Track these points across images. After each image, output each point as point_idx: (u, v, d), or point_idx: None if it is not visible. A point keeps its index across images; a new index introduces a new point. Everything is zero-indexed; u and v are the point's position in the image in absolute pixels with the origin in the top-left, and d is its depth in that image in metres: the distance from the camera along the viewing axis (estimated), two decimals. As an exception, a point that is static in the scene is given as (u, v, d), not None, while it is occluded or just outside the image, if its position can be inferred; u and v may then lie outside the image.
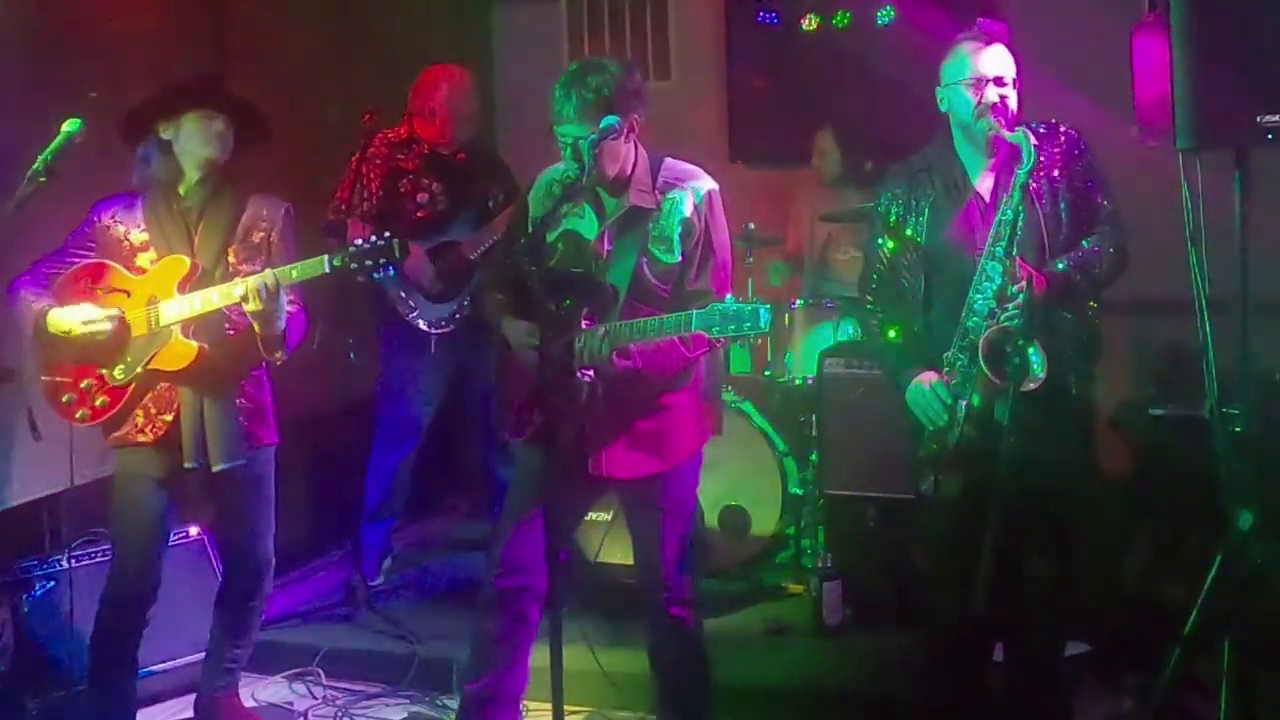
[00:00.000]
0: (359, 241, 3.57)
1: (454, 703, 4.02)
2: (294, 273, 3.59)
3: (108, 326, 3.63)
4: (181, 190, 3.74)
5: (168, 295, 3.66)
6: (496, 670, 3.61)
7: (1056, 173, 3.36)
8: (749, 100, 6.72)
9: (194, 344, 3.66)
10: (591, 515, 4.27)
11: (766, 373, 5.44)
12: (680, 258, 3.46)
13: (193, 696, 4.13)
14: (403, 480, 5.25)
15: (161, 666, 4.32)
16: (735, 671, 4.14)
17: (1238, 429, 3.59)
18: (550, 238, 3.51)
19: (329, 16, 5.84)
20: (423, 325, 5.06)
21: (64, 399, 3.72)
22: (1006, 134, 3.30)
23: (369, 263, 3.56)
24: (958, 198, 3.44)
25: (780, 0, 6.54)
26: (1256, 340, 3.50)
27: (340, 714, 4.32)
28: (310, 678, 4.52)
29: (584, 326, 3.38)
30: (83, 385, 3.71)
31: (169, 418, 3.71)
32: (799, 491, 5.00)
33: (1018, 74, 3.38)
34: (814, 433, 4.94)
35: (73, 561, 4.24)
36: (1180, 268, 3.46)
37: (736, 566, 4.97)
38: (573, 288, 3.39)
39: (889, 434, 3.88)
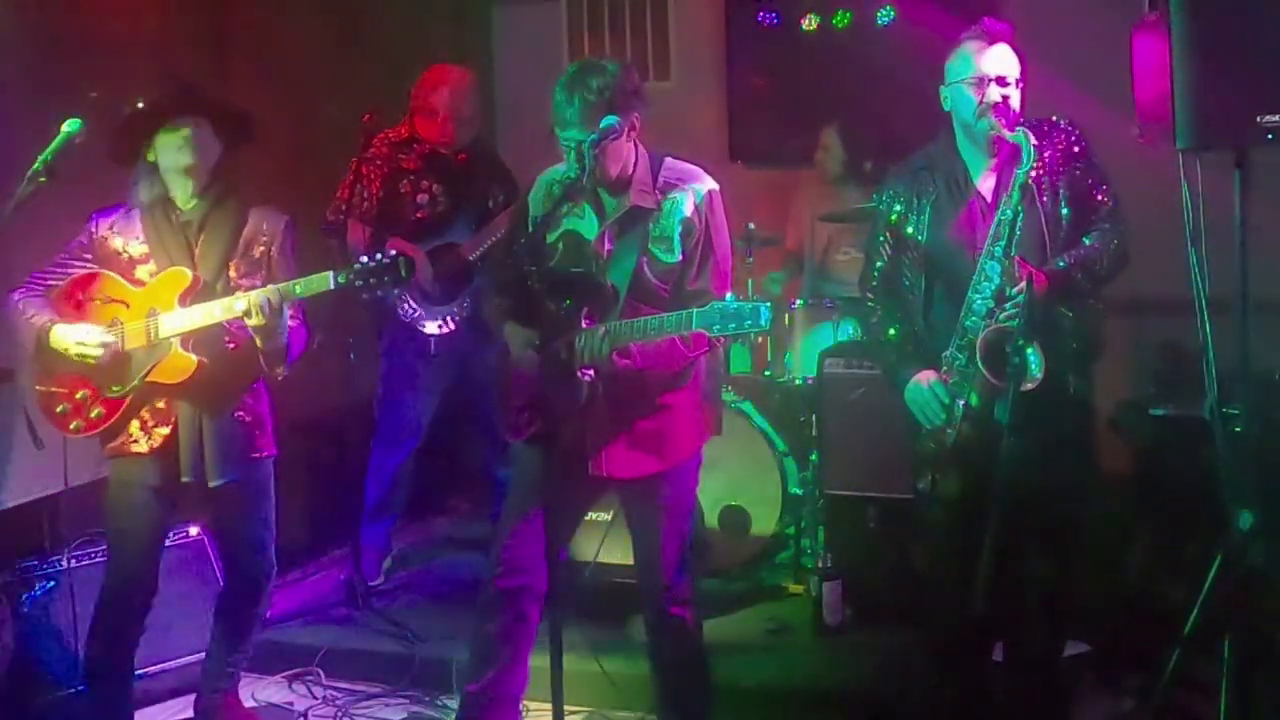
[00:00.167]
0: (364, 259, 3.55)
1: (454, 703, 4.02)
2: (298, 288, 3.57)
3: (99, 353, 3.61)
4: (180, 203, 3.71)
5: (168, 308, 3.63)
6: (496, 670, 3.61)
7: (1057, 171, 3.36)
8: (749, 100, 6.72)
9: (193, 357, 3.63)
10: (591, 515, 4.27)
11: (766, 373, 5.44)
12: (681, 257, 3.46)
13: (193, 696, 4.12)
14: (403, 480, 5.25)
15: (161, 667, 4.32)
16: (735, 671, 4.15)
17: (1238, 429, 3.59)
18: (550, 238, 3.51)
19: (329, 16, 5.85)
20: (422, 326, 5.06)
21: (58, 409, 3.70)
22: (1007, 133, 3.30)
23: (374, 280, 3.56)
24: (959, 197, 3.44)
25: (780, 0, 6.54)
26: (1256, 340, 3.50)
27: (340, 714, 4.32)
28: (310, 678, 4.52)
29: (584, 326, 3.39)
30: (78, 396, 3.69)
31: (166, 430, 3.69)
32: (799, 491, 5.00)
33: (1021, 74, 3.38)
34: (814, 433, 4.93)
35: (72, 561, 4.24)
36: (1180, 268, 3.46)
37: (736, 566, 4.97)
38: (573, 288, 3.39)
39: (889, 434, 3.88)
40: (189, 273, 3.66)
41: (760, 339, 5.39)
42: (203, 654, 4.11)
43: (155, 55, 4.86)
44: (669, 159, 3.54)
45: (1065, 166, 3.37)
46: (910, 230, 3.47)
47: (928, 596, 3.74)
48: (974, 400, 3.32)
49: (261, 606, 4.02)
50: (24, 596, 4.17)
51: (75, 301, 3.69)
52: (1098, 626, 4.14)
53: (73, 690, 4.07)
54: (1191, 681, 3.54)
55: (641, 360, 3.40)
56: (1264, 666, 3.46)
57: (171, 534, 4.30)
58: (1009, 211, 3.28)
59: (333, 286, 3.56)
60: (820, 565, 4.66)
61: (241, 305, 3.55)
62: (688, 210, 3.46)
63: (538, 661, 3.48)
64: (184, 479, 3.69)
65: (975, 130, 3.39)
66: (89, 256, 3.74)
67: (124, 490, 3.74)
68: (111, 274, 3.71)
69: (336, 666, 4.55)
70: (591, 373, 3.38)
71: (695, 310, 3.22)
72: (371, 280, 3.55)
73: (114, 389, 3.66)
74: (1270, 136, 3.29)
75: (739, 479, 4.90)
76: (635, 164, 3.46)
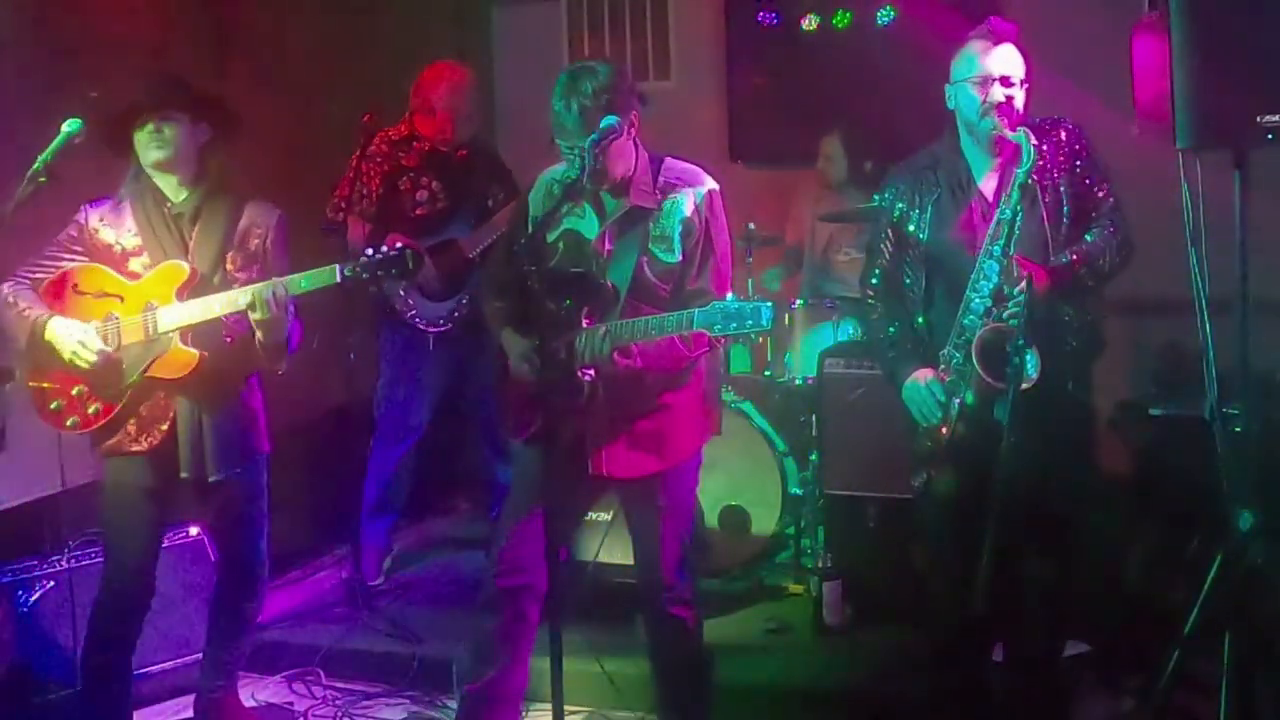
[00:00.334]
0: (370, 251, 3.55)
1: (454, 703, 4.02)
2: (304, 282, 3.56)
3: (95, 359, 3.56)
4: (170, 195, 3.68)
5: (165, 302, 3.60)
6: (496, 670, 3.61)
7: (1059, 170, 3.37)
8: (749, 100, 6.71)
9: (194, 351, 3.61)
10: (591, 515, 4.27)
11: (766, 373, 5.44)
12: (681, 257, 3.46)
13: (193, 697, 4.12)
14: (403, 479, 5.26)
15: (161, 666, 4.32)
16: (735, 671, 4.15)
17: (1238, 429, 3.59)
18: (551, 237, 3.51)
19: (329, 16, 5.85)
20: (421, 324, 5.07)
21: (52, 406, 3.65)
22: (1008, 133, 3.30)
23: (381, 273, 3.55)
24: (962, 197, 3.45)
25: (780, 0, 6.54)
26: (1256, 340, 3.50)
27: (340, 714, 4.32)
28: (310, 678, 4.52)
29: (585, 326, 3.39)
30: (74, 392, 3.64)
31: (164, 427, 3.66)
32: (799, 491, 5.00)
33: (1026, 74, 3.38)
34: (814, 433, 4.93)
35: (72, 562, 4.24)
36: (1180, 268, 3.45)
37: (736, 566, 4.97)
38: (573, 287, 3.38)
39: (889, 434, 3.88)
40: (186, 266, 3.63)
41: (760, 339, 5.39)
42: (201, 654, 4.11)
43: (155, 55, 4.86)
44: (669, 159, 3.54)
45: (1067, 165, 3.38)
46: (912, 228, 3.48)
47: (928, 596, 3.74)
48: (970, 399, 3.32)
49: (257, 602, 4.01)
50: (24, 596, 4.17)
51: (67, 295, 3.65)
52: (1098, 626, 4.14)
53: (72, 690, 4.06)
54: (1191, 681, 3.53)
55: (642, 360, 3.40)
56: (1264, 666, 3.45)
57: (171, 534, 4.30)
58: (1008, 211, 3.28)
59: (339, 279, 3.55)
60: (820, 565, 4.66)
61: (246, 299, 3.53)
62: (688, 210, 3.46)
63: (538, 661, 3.48)
64: (183, 475, 3.67)
65: (978, 129, 3.39)
66: (79, 249, 3.70)
67: (120, 491, 3.72)
68: (104, 267, 3.67)
69: (336, 666, 4.54)
70: (592, 372, 3.39)
71: (696, 310, 3.22)
72: (379, 273, 3.55)
73: (112, 384, 3.62)
74: (1270, 136, 3.29)
75: (739, 479, 4.90)
76: (636, 164, 3.46)
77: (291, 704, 4.40)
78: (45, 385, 3.67)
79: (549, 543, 3.25)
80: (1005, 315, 3.24)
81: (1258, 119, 3.29)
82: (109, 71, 4.50)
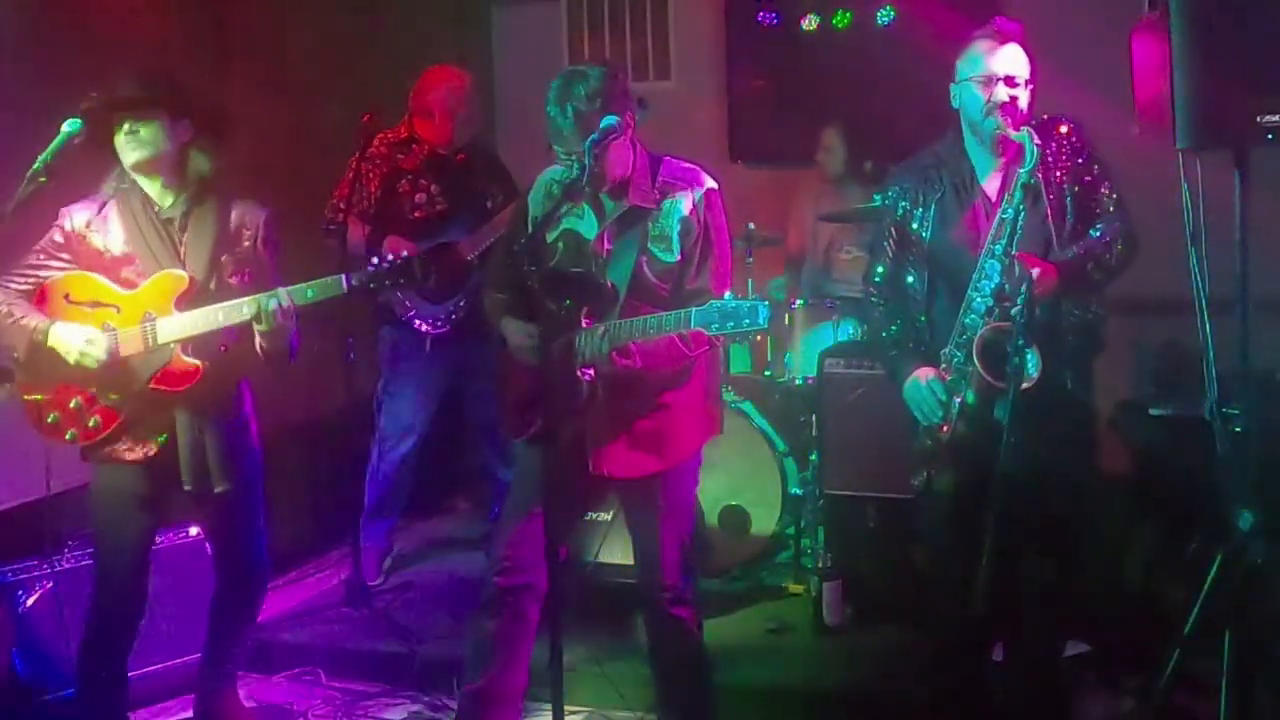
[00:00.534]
0: (376, 261, 3.54)
1: (454, 703, 4.02)
2: (310, 292, 3.53)
3: (104, 357, 3.50)
4: (157, 198, 3.60)
5: (164, 312, 3.54)
6: (496, 670, 3.61)
7: (1061, 168, 3.37)
8: (749, 100, 6.73)
9: (196, 362, 3.56)
10: (591, 515, 4.27)
11: (766, 373, 5.44)
12: (679, 256, 3.46)
13: (192, 697, 4.12)
14: (402, 480, 5.26)
15: (161, 666, 4.32)
16: (735, 671, 4.15)
17: (1238, 429, 3.59)
18: (550, 238, 3.51)
19: (329, 16, 5.85)
20: (419, 325, 5.07)
21: (49, 418, 3.59)
22: (1011, 133, 3.31)
23: (389, 282, 3.54)
24: (965, 197, 3.45)
25: (780, 0, 6.54)
26: (1256, 340, 3.49)
27: (340, 714, 4.32)
28: (310, 678, 4.52)
29: (584, 326, 3.39)
30: (71, 405, 3.57)
31: (163, 438, 3.61)
32: (799, 491, 5.00)
33: (1031, 75, 3.38)
34: (814, 433, 4.93)
35: (71, 562, 4.22)
36: (1180, 268, 3.45)
37: (736, 566, 4.97)
38: (573, 287, 3.38)
39: (889, 434, 3.88)
40: (184, 275, 3.57)
41: (760, 338, 5.39)
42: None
43: (155, 55, 4.86)
44: (668, 159, 3.54)
45: (1069, 163, 3.38)
46: (915, 227, 3.48)
47: (928, 596, 3.74)
48: (971, 398, 3.32)
49: (258, 604, 4.00)
50: (22, 597, 4.17)
51: (60, 305, 3.56)
52: (1098, 626, 4.14)
53: (70, 691, 4.06)
54: (1191, 681, 3.53)
55: (641, 359, 3.40)
56: (1264, 666, 3.45)
57: (172, 533, 4.30)
58: (1010, 210, 3.29)
59: (345, 289, 3.53)
60: (820, 565, 4.66)
61: (250, 310, 3.48)
62: (686, 209, 3.46)
63: (538, 661, 3.48)
64: (186, 487, 3.63)
65: (982, 129, 3.39)
66: (66, 256, 3.61)
67: (110, 498, 3.67)
68: (96, 275, 3.59)
69: (336, 666, 4.55)
70: (591, 372, 3.39)
71: (693, 309, 3.22)
72: (387, 283, 3.54)
73: (112, 396, 3.58)
74: (1270, 136, 3.28)
75: (739, 479, 4.90)
76: (634, 164, 3.46)
77: (291, 704, 4.40)
78: (39, 398, 3.59)
79: (549, 543, 3.25)
80: (1014, 311, 3.24)
81: (1258, 119, 3.28)
82: (109, 71, 4.48)
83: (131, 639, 3.81)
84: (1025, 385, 3.19)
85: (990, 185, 3.44)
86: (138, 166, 3.56)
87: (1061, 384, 3.35)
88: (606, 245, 3.49)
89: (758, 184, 6.27)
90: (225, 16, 5.44)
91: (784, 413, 5.22)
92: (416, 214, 5.08)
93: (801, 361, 5.28)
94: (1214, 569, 3.42)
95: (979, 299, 3.32)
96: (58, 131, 3.49)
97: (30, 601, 4.15)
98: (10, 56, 4.50)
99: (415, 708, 4.34)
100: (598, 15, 6.86)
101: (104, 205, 3.62)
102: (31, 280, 3.61)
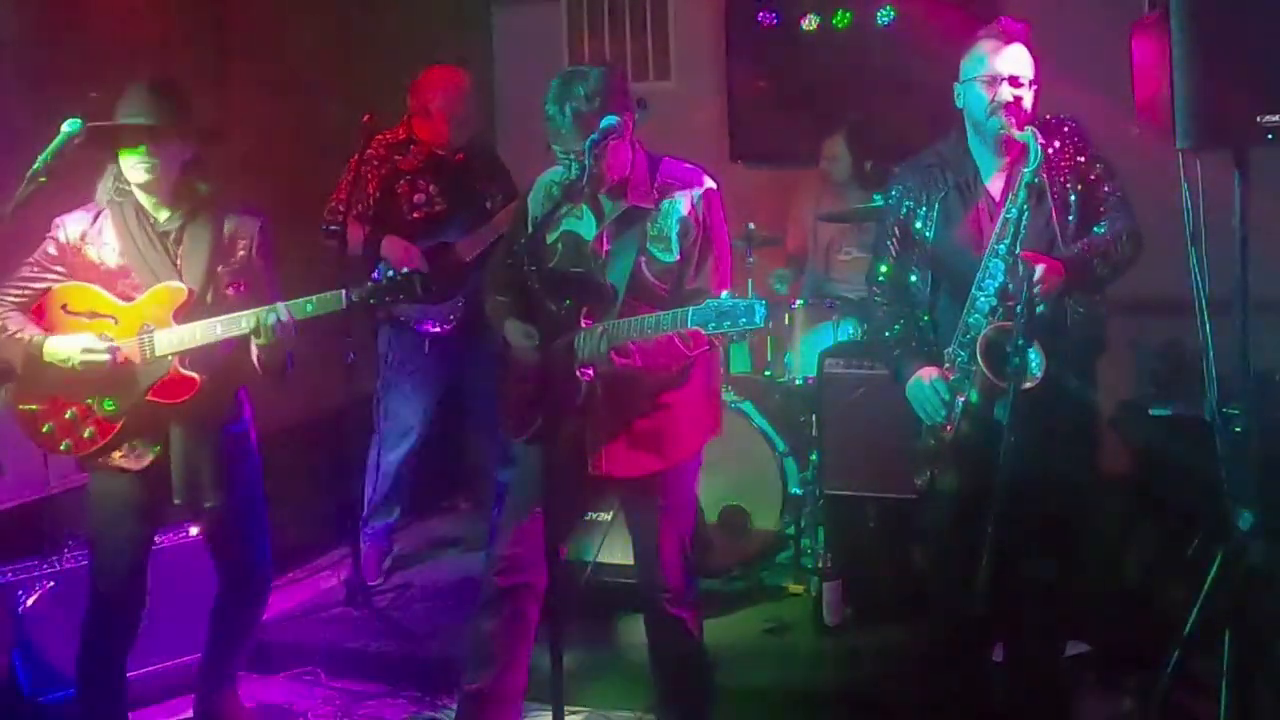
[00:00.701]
0: (377, 275, 3.54)
1: (454, 703, 4.01)
2: (309, 306, 3.52)
3: (107, 358, 3.49)
4: (152, 210, 3.59)
5: (162, 324, 3.53)
6: (496, 670, 3.60)
7: (1064, 167, 3.37)
8: (749, 100, 6.72)
9: (195, 375, 3.56)
10: (591, 515, 4.27)
11: (766, 373, 5.44)
12: (679, 256, 3.46)
13: (192, 697, 4.11)
14: (403, 480, 5.26)
15: (161, 666, 4.31)
16: (735, 671, 4.15)
17: (1238, 429, 3.59)
18: (550, 238, 3.51)
19: (329, 16, 5.85)
20: (418, 325, 5.07)
21: (44, 429, 3.58)
22: (1015, 132, 3.31)
23: (389, 298, 3.53)
24: (969, 196, 3.45)
25: (780, 0, 6.54)
26: (1256, 340, 3.49)
27: (340, 714, 4.32)
28: (310, 678, 4.52)
29: (584, 326, 3.39)
30: (66, 415, 3.56)
31: (158, 449, 3.60)
32: (799, 491, 5.00)
33: (1035, 75, 3.38)
34: (814, 433, 4.93)
35: (71, 562, 4.22)
36: (1180, 268, 3.45)
37: (736, 566, 4.97)
38: (573, 287, 3.39)
39: (889, 434, 3.88)
40: (183, 287, 3.56)
41: (760, 339, 5.39)
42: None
43: (155, 55, 4.86)
44: (667, 159, 3.54)
45: (1072, 163, 3.38)
46: (918, 226, 3.48)
47: (928, 596, 3.74)
48: (974, 398, 3.32)
49: (260, 608, 3.99)
50: (22, 596, 4.17)
51: (57, 316, 3.55)
52: (1098, 626, 4.14)
53: (70, 692, 4.06)
54: (1191, 681, 3.53)
55: (640, 359, 3.40)
56: (1264, 666, 3.45)
57: (172, 534, 4.29)
58: (1014, 210, 3.28)
59: (345, 305, 3.53)
60: (820, 565, 4.66)
61: (249, 324, 3.48)
62: (685, 210, 3.45)
63: (538, 661, 3.48)
64: (176, 501, 3.61)
65: (985, 129, 3.40)
66: (61, 269, 3.60)
67: (106, 502, 3.66)
68: (94, 286, 3.58)
69: (336, 666, 4.54)
70: (590, 372, 3.39)
71: (691, 308, 3.22)
72: (387, 298, 3.54)
73: (108, 406, 3.57)
74: (1270, 136, 3.28)
75: (739, 479, 4.90)
76: (633, 164, 3.46)
77: (291, 704, 4.40)
78: (34, 408, 3.59)
79: (549, 542, 3.25)
80: (1016, 308, 3.24)
81: (1258, 119, 3.28)
82: (109, 71, 4.49)
83: (131, 640, 3.80)
84: (1029, 384, 3.19)
85: (994, 185, 3.44)
86: (146, 186, 3.57)
87: (1064, 384, 3.35)
88: (605, 246, 3.49)
89: (758, 184, 6.27)
90: (225, 16, 5.44)
91: (784, 413, 5.22)
92: (415, 215, 5.07)
93: (801, 361, 5.28)
94: (1214, 569, 3.42)
95: (983, 298, 3.32)
96: (58, 131, 3.49)
97: (30, 601, 4.15)
98: (10, 56, 4.50)
99: (415, 708, 4.33)
100: (598, 15, 6.86)
101: (98, 216, 3.62)
102: (27, 292, 3.61)
